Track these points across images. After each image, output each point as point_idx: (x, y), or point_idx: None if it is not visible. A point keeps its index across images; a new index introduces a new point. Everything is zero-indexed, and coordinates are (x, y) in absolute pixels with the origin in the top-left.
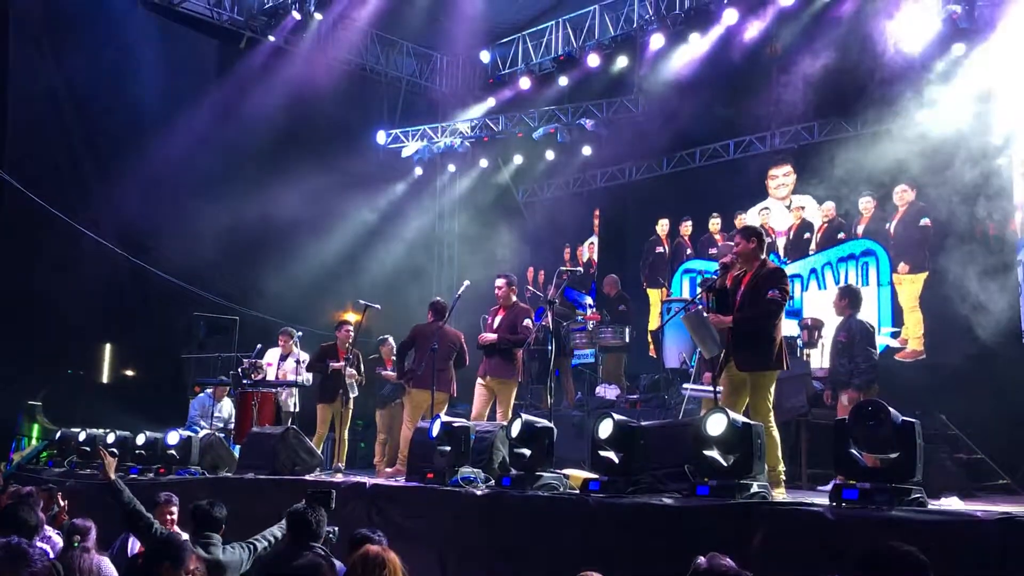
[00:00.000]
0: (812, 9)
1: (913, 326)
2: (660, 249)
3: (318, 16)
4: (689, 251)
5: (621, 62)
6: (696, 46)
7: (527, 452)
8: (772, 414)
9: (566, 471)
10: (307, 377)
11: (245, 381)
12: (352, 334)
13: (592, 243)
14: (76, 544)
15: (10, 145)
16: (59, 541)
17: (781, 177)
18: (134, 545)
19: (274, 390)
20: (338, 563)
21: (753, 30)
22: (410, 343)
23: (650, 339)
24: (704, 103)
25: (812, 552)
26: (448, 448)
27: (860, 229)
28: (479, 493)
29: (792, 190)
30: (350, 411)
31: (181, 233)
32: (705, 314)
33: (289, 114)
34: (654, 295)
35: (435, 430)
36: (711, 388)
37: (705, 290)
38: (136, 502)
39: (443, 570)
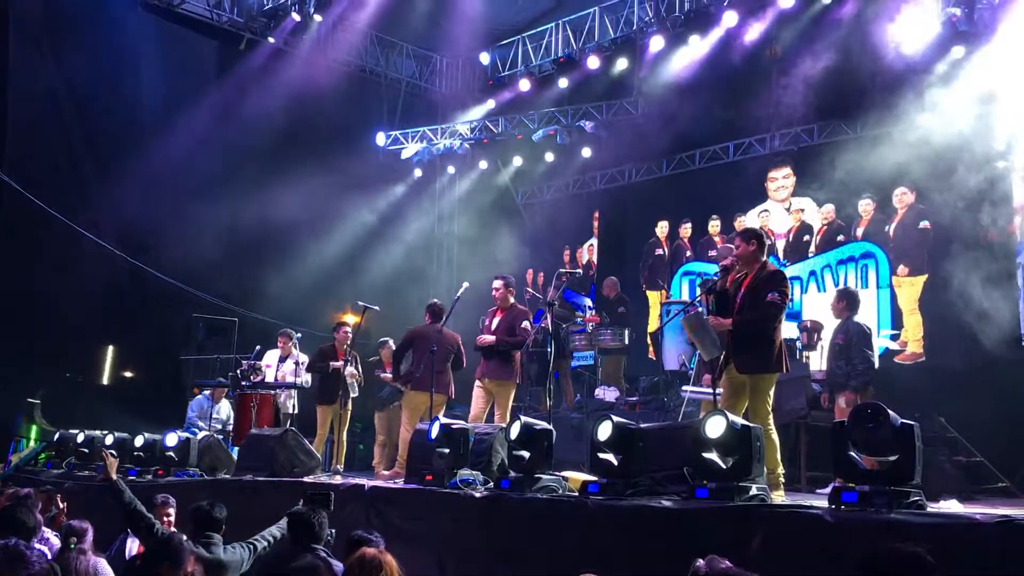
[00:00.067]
0: (812, 11)
1: (912, 329)
2: (659, 251)
3: (318, 18)
4: (688, 253)
5: (621, 64)
6: (696, 48)
7: (526, 454)
8: (771, 417)
9: (565, 473)
10: (306, 379)
11: (244, 383)
12: (350, 335)
13: (591, 245)
14: (73, 546)
15: (10, 145)
16: (57, 543)
17: (781, 179)
18: (132, 547)
19: (273, 392)
20: (338, 564)
21: (753, 32)
22: (407, 346)
23: (649, 341)
24: (704, 105)
25: (811, 555)
26: (447, 450)
27: (860, 231)
28: (478, 495)
29: (792, 192)
30: (349, 413)
31: (181, 234)
32: (705, 316)
33: (289, 115)
34: (653, 297)
35: (434, 432)
36: (710, 390)
37: (705, 292)
38: (137, 502)
39: (442, 572)
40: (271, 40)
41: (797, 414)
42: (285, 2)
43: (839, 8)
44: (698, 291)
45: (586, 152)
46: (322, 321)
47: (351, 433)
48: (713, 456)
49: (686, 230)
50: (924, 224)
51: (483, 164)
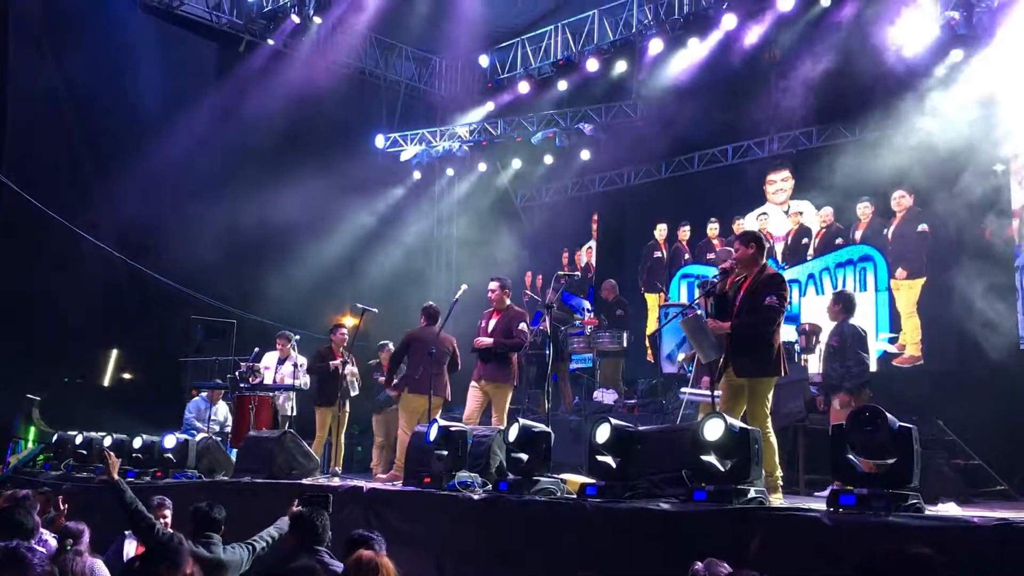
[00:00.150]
0: (810, 15)
1: (911, 332)
2: (658, 254)
3: (317, 20)
4: (687, 256)
5: (620, 67)
6: (695, 51)
7: (524, 457)
8: (770, 420)
9: (563, 476)
10: (305, 381)
11: (242, 384)
12: (347, 337)
13: (590, 247)
14: (69, 547)
15: (10, 145)
16: (55, 544)
17: (779, 182)
18: (129, 549)
19: (271, 394)
20: (338, 565)
21: (752, 35)
22: (404, 350)
23: (648, 344)
24: (703, 108)
25: (809, 557)
26: (445, 452)
27: (858, 234)
28: (476, 497)
29: (790, 195)
30: (347, 415)
31: (180, 235)
32: (704, 319)
33: (288, 117)
34: (652, 300)
35: (432, 434)
36: (708, 392)
37: (704, 295)
38: (138, 503)
39: (440, 574)
40: (270, 42)
41: (795, 417)
42: (284, 4)
43: (838, 11)
44: (696, 293)
45: (585, 155)
46: (321, 323)
47: (349, 435)
48: (711, 459)
49: (685, 233)
50: (922, 227)
51: (482, 166)
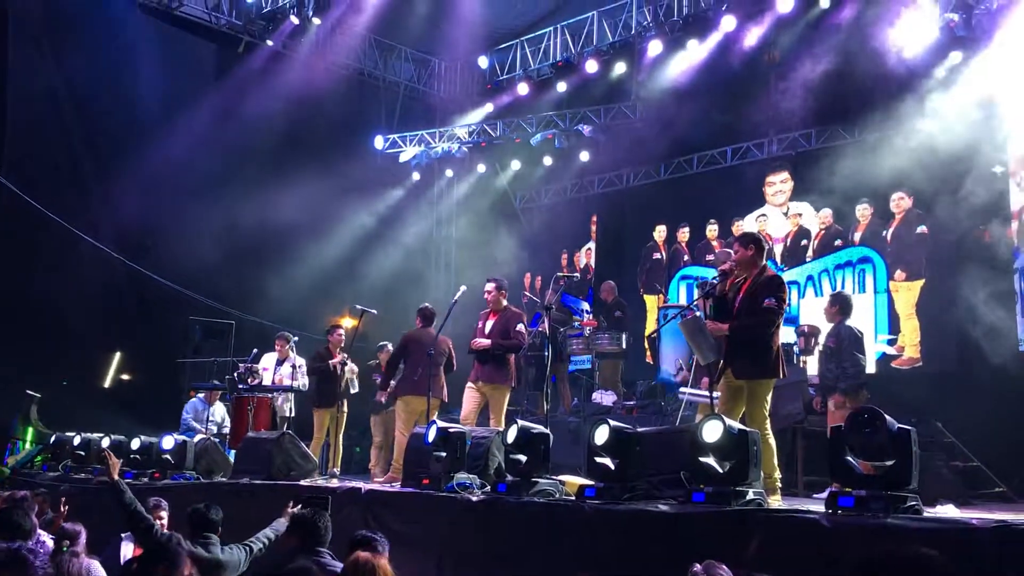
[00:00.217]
0: (810, 16)
1: (909, 333)
2: (657, 255)
3: (316, 21)
4: (686, 257)
5: (619, 68)
6: (694, 53)
7: (523, 458)
8: (768, 421)
9: (562, 477)
10: (303, 382)
11: (241, 386)
12: (343, 338)
13: (589, 249)
14: (65, 548)
15: (9, 145)
16: (52, 546)
17: (778, 184)
18: (126, 550)
19: (270, 395)
20: (338, 566)
21: (751, 37)
22: (402, 352)
23: (647, 345)
24: (702, 110)
25: (808, 559)
26: (444, 454)
27: (857, 236)
28: (475, 499)
29: (789, 197)
30: (345, 416)
31: (179, 236)
32: (703, 321)
33: (288, 119)
34: (651, 301)
35: (431, 436)
36: (707, 392)
37: (703, 296)
38: (137, 503)
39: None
40: (270, 43)
41: (794, 419)
42: (284, 5)
43: (837, 13)
44: (695, 294)
45: (584, 156)
46: (320, 324)
47: (347, 436)
48: (710, 460)
49: (684, 234)
50: (921, 229)
51: (481, 168)
